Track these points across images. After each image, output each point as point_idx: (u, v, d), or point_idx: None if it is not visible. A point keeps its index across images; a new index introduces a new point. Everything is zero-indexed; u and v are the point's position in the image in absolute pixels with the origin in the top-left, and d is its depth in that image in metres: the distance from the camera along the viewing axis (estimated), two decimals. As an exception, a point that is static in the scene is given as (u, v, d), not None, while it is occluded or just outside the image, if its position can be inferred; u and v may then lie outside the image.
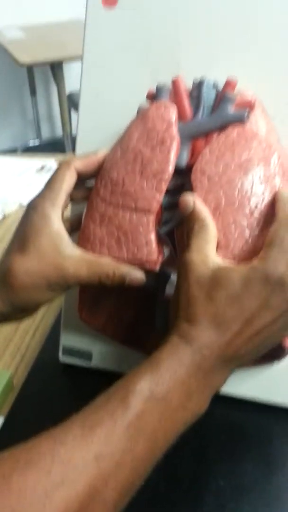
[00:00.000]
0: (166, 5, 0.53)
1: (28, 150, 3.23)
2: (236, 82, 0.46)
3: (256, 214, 0.42)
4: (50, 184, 0.48)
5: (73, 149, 0.60)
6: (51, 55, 2.58)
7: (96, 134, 0.57)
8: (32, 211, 0.47)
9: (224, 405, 0.54)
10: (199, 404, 0.39)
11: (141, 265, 0.46)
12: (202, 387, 0.39)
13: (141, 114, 0.47)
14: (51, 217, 0.46)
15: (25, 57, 2.52)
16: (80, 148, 0.58)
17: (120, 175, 0.47)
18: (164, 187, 0.45)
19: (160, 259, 0.46)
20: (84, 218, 0.49)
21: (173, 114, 0.46)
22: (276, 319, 0.40)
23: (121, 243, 0.46)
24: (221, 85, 0.47)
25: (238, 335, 0.39)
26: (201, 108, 0.47)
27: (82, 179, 0.50)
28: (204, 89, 0.47)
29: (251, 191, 0.43)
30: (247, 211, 0.42)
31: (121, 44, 0.55)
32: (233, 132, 0.45)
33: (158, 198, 0.45)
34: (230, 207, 0.43)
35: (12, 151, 3.11)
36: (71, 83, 2.80)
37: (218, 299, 0.39)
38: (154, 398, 0.37)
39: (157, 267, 0.46)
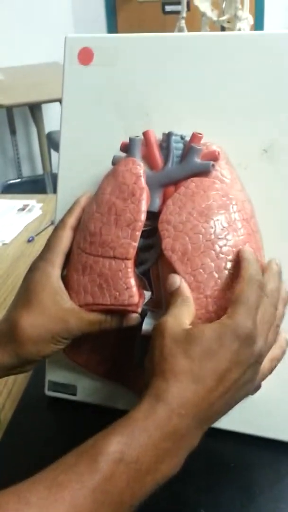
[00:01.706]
0: (137, 64, 0.58)
1: (9, 188, 3.27)
2: (202, 136, 0.51)
3: (222, 256, 0.47)
4: (49, 246, 0.53)
5: (54, 190, 0.64)
6: (29, 96, 2.65)
7: (75, 182, 0.61)
8: (35, 271, 0.52)
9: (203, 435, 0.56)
10: (171, 466, 0.40)
11: (123, 308, 0.50)
12: (176, 450, 0.40)
13: (112, 170, 0.52)
14: (51, 276, 0.51)
15: (4, 99, 2.59)
16: (61, 196, 0.62)
17: (97, 227, 0.51)
18: (138, 234, 0.49)
19: (141, 301, 0.50)
20: (67, 269, 0.53)
21: (140, 169, 0.51)
22: (244, 373, 0.42)
23: (103, 289, 0.50)
24: (187, 138, 0.51)
25: (213, 391, 0.41)
26: (171, 158, 0.51)
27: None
28: (173, 140, 0.52)
29: (215, 235, 0.47)
30: (213, 254, 0.47)
31: (97, 99, 0.60)
32: (192, 183, 0.49)
33: (133, 245, 0.49)
34: (197, 251, 0.47)
35: (-8, 190, 3.15)
36: (50, 122, 2.87)
37: (193, 354, 0.41)
38: (125, 461, 0.37)
39: (139, 309, 0.50)
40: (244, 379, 0.43)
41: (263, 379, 0.47)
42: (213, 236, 0.47)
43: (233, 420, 0.56)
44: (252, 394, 0.52)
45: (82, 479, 0.36)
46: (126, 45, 0.59)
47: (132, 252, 0.49)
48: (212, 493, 0.50)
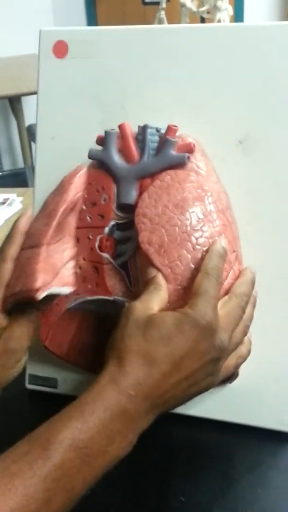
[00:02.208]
0: (113, 57, 0.58)
1: (-10, 182, 3.24)
2: (177, 128, 0.51)
3: (199, 247, 0.47)
4: None
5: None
6: (9, 89, 2.63)
7: (52, 176, 0.60)
8: None
9: (183, 424, 0.57)
10: (121, 448, 0.40)
11: (27, 294, 0.49)
12: (126, 431, 0.40)
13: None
14: None
15: (-17, 92, 2.56)
16: (38, 190, 0.62)
17: (32, 223, 0.53)
18: (53, 222, 0.50)
19: (43, 288, 0.48)
20: None
21: (80, 171, 0.53)
22: (204, 365, 0.42)
23: (19, 278, 0.50)
24: (163, 131, 0.52)
25: (167, 377, 0.41)
26: (146, 151, 0.52)
27: None
28: (148, 133, 0.52)
29: (190, 227, 0.47)
30: (189, 245, 0.47)
31: (72, 92, 0.60)
32: (167, 176, 0.50)
33: (47, 232, 0.50)
34: (173, 243, 0.47)
35: (-27, 183, 3.12)
36: (30, 115, 2.85)
37: (150, 337, 0.42)
38: (76, 447, 0.38)
39: (37, 296, 0.48)
40: (205, 371, 0.43)
41: (227, 374, 0.48)
42: (189, 228, 0.47)
43: (213, 408, 0.57)
44: (230, 382, 0.53)
45: (34, 468, 0.36)
46: (101, 38, 0.59)
47: (44, 239, 0.50)
48: (192, 481, 0.51)
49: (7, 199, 1.33)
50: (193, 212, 0.48)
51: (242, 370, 0.52)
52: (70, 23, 3.52)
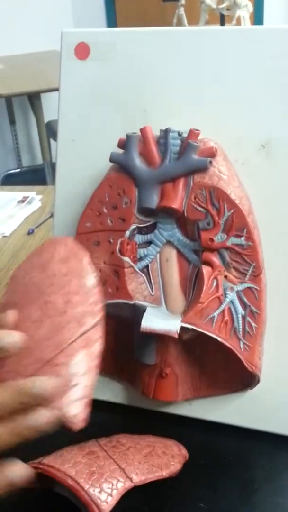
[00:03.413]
0: (135, 59, 0.58)
1: (9, 178, 3.26)
2: (199, 132, 0.51)
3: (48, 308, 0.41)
4: None
5: (54, 179, 0.63)
6: (28, 86, 2.64)
7: (73, 178, 0.61)
8: None
9: (202, 430, 0.57)
10: None
11: None
12: None
13: None
14: None
15: (3, 89, 2.57)
16: (59, 192, 0.63)
17: None
18: None
19: None
20: None
21: None
22: None
23: None
24: (185, 135, 0.51)
25: None
26: (168, 154, 0.51)
27: None
28: (170, 137, 0.51)
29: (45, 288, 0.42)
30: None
31: (93, 93, 0.60)
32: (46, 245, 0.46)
33: None
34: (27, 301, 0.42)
35: (-8, 180, 3.15)
36: (49, 112, 2.86)
37: None
38: None
39: None
40: None
41: None
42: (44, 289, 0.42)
43: (232, 414, 0.57)
44: (251, 388, 0.53)
45: None
46: (123, 40, 0.58)
47: None
48: (212, 487, 0.51)
49: (27, 197, 1.33)
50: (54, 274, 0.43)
51: (262, 376, 0.51)
52: (89, 19, 3.52)
